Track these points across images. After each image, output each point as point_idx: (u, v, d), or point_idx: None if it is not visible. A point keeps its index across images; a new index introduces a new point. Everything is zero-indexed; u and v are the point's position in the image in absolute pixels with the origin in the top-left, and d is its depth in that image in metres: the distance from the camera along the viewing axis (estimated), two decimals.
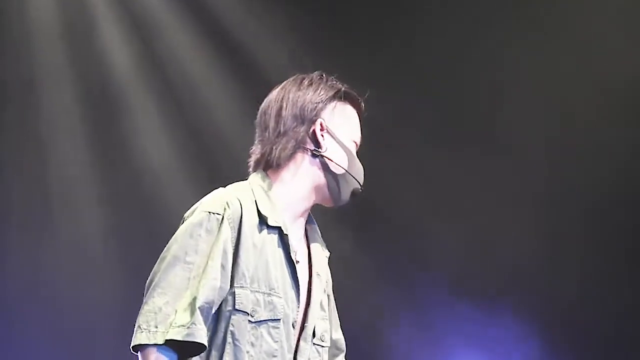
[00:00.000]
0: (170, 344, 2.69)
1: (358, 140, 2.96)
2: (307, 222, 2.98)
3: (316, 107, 2.90)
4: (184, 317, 2.71)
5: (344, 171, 2.91)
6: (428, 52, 5.97)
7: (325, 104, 2.92)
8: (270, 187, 2.88)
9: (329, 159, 2.89)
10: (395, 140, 5.97)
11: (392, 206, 5.97)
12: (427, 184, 6.05)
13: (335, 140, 2.91)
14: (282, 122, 2.89)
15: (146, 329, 2.71)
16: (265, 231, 2.83)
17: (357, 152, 2.97)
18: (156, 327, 2.71)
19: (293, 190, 2.91)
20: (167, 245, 2.79)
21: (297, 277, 2.85)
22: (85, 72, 6.02)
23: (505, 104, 5.91)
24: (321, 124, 2.89)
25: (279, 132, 2.89)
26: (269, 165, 2.90)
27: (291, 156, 2.90)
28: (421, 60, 6.00)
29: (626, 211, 5.76)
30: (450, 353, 6.02)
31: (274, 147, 2.88)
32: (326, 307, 2.98)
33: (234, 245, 2.78)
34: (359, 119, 2.99)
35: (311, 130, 2.90)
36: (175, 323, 2.69)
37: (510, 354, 5.89)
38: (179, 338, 2.66)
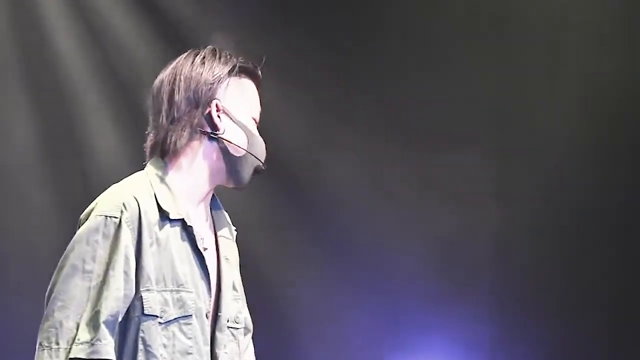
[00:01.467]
0: None
1: (257, 116, 2.92)
2: (211, 203, 2.94)
3: (210, 87, 2.83)
4: (87, 333, 2.66)
5: (244, 152, 2.85)
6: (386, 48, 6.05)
7: (220, 83, 2.85)
8: (168, 175, 2.83)
9: (227, 141, 2.83)
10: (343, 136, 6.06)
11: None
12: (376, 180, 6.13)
13: (232, 120, 2.85)
14: (176, 107, 2.82)
15: (47, 347, 2.66)
16: (168, 226, 2.77)
17: (257, 127, 2.92)
18: (57, 343, 2.66)
19: (193, 177, 2.85)
20: (64, 253, 2.72)
21: (207, 267, 2.81)
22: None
23: (456, 103, 6.01)
24: (217, 105, 2.83)
25: (173, 117, 2.82)
26: (166, 153, 2.83)
27: (188, 142, 2.83)
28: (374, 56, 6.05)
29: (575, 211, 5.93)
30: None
31: (169, 134, 2.81)
32: (238, 287, 2.95)
33: (135, 248, 2.73)
34: (258, 90, 2.94)
35: (207, 113, 2.82)
36: (78, 339, 2.65)
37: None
38: (83, 356, 2.62)
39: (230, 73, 2.86)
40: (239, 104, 2.89)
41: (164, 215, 2.76)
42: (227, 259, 2.93)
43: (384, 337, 6.02)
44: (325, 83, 6.04)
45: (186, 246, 2.80)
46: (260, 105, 2.96)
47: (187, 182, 2.84)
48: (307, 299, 6.00)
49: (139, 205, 2.73)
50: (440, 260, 6.03)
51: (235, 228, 3.03)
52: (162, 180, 2.81)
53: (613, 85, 5.77)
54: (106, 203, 2.73)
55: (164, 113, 2.83)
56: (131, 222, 2.71)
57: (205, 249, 2.82)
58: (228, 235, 2.98)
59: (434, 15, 5.95)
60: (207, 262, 2.83)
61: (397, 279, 6.07)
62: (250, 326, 3.03)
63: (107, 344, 2.66)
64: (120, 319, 2.70)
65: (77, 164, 5.96)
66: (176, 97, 2.83)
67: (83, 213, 2.77)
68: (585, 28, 5.83)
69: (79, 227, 2.73)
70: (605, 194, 5.86)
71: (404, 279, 6.03)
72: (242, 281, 3.06)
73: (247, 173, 2.89)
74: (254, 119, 2.92)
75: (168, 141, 2.81)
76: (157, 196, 2.78)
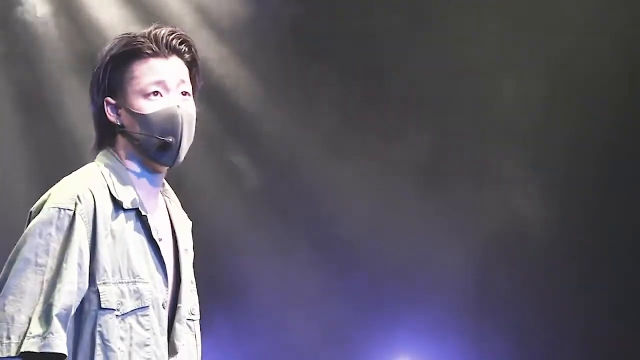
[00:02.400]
0: (26, 356, 2.62)
1: (150, 86, 2.83)
2: (165, 194, 2.93)
3: (98, 89, 2.84)
4: (39, 327, 2.64)
5: (142, 136, 2.80)
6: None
7: (104, 81, 2.84)
8: (117, 165, 2.82)
9: (128, 131, 2.81)
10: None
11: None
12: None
13: (125, 109, 2.83)
14: (92, 107, 2.88)
15: None
16: (122, 216, 2.75)
17: (160, 93, 2.85)
18: (9, 338, 2.63)
19: (132, 166, 2.84)
20: (15, 246, 2.69)
21: (162, 257, 2.79)
22: None
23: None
24: (107, 102, 2.83)
25: (93, 116, 2.89)
26: (105, 146, 2.89)
27: (110, 136, 2.86)
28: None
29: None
30: None
31: (95, 131, 2.87)
32: (193, 279, 2.94)
33: (90, 241, 2.71)
34: (147, 57, 2.86)
35: (105, 112, 2.84)
36: (30, 333, 2.63)
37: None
38: (35, 350, 2.60)
39: (108, 67, 2.85)
40: (125, 91, 2.84)
41: (117, 206, 2.74)
42: (186, 250, 2.90)
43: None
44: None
45: (141, 236, 2.78)
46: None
47: (132, 170, 2.83)
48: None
49: (93, 197, 2.71)
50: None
51: (191, 221, 3.02)
52: (112, 170, 2.80)
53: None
54: (60, 195, 2.70)
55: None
56: (86, 214, 2.69)
57: (160, 240, 2.80)
58: (185, 227, 2.95)
59: None
60: (163, 253, 2.80)
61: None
62: (198, 315, 3.03)
63: (60, 337, 2.64)
64: (72, 313, 2.67)
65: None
66: (90, 99, 2.89)
67: (35, 205, 2.73)
68: None
69: (30, 220, 2.71)
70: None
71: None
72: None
73: (158, 152, 2.84)
74: (151, 92, 2.85)
75: (97, 137, 2.87)
76: (109, 186, 2.75)
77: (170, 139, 2.79)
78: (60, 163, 5.79)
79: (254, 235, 6.28)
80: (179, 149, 2.81)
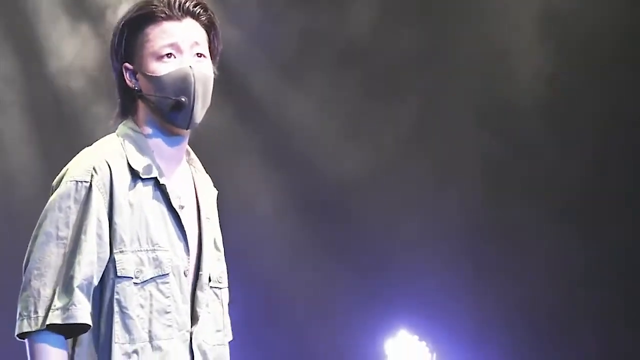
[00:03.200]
0: (53, 328, 2.68)
1: (163, 49, 2.88)
2: (191, 163, 2.97)
3: (117, 54, 2.90)
4: (62, 299, 2.69)
5: (158, 97, 2.85)
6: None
7: (121, 47, 2.89)
8: (136, 134, 2.87)
9: (145, 95, 2.86)
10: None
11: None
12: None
13: (141, 74, 2.87)
14: (113, 74, 2.95)
15: (27, 315, 2.70)
16: (140, 185, 2.79)
17: (173, 55, 2.89)
18: (36, 312, 2.70)
19: (150, 132, 2.88)
20: (38, 221, 2.75)
21: (183, 225, 2.82)
22: None
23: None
24: (125, 68, 2.88)
25: (116, 83, 2.96)
26: (125, 114, 2.94)
27: (131, 103, 2.91)
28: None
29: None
30: None
31: (117, 98, 2.93)
32: (221, 248, 2.97)
33: (107, 210, 2.75)
34: (160, 20, 2.91)
35: (125, 77, 2.90)
36: (54, 306, 2.69)
37: None
38: (59, 321, 2.66)
39: (124, 33, 2.90)
40: (141, 55, 2.88)
41: (135, 175, 2.77)
42: (208, 218, 2.91)
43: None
44: None
45: (160, 204, 2.80)
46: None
47: (150, 138, 2.87)
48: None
49: (109, 168, 2.75)
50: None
51: (216, 190, 3.05)
52: (131, 139, 2.84)
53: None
54: (76, 168, 2.76)
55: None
56: (102, 185, 2.73)
57: (182, 207, 2.82)
58: (209, 196, 2.98)
59: None
60: (184, 221, 2.83)
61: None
62: (228, 294, 3.06)
63: (82, 308, 2.68)
64: (96, 283, 2.71)
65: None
66: (111, 66, 2.96)
67: (55, 180, 2.78)
68: None
69: (52, 194, 2.76)
70: None
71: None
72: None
73: (173, 113, 2.87)
74: (164, 54, 2.89)
75: (120, 104, 2.92)
76: (127, 156, 2.79)
77: (183, 99, 2.81)
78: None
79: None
80: (192, 109, 2.83)
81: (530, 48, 6.22)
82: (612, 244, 6.18)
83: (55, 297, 2.69)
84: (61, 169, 2.90)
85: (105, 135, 2.97)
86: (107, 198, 2.75)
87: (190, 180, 2.94)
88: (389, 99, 6.35)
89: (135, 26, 2.86)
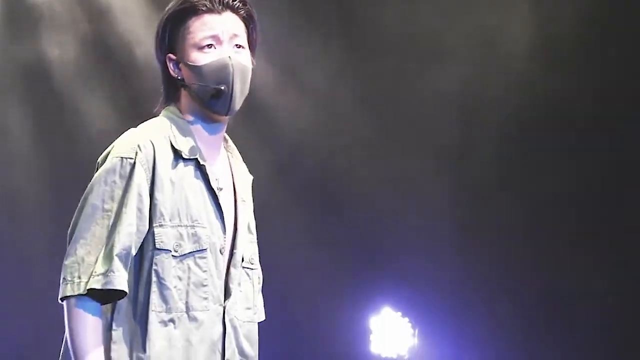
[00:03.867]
0: (93, 293, 2.72)
1: (204, 40, 2.95)
2: (228, 149, 3.02)
3: (161, 46, 2.96)
4: (102, 266, 2.73)
5: (199, 85, 2.91)
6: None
7: (165, 39, 2.96)
8: (179, 118, 2.94)
9: (187, 84, 2.93)
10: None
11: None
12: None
13: (184, 64, 2.94)
14: (158, 65, 3.02)
15: (70, 281, 2.73)
16: (182, 165, 2.84)
17: (213, 45, 2.96)
18: (79, 277, 2.73)
19: (191, 120, 2.96)
20: (84, 194, 2.80)
21: (220, 205, 2.87)
22: None
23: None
24: (169, 58, 2.95)
25: (161, 73, 3.02)
26: (170, 101, 3.01)
27: (175, 91, 2.98)
28: None
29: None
30: None
31: (162, 87, 2.99)
32: (254, 231, 3.02)
33: (149, 186, 2.80)
34: (201, 14, 2.97)
35: (168, 68, 2.96)
36: (95, 272, 2.72)
37: None
38: (98, 287, 2.70)
39: (167, 28, 2.96)
40: (182, 46, 2.94)
41: (177, 155, 2.82)
42: (243, 200, 2.98)
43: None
44: None
45: (200, 184, 2.85)
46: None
47: (192, 124, 2.92)
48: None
49: (153, 147, 2.80)
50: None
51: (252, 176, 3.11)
52: (174, 122, 2.90)
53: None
54: (122, 145, 2.81)
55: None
56: (145, 162, 2.78)
57: (220, 189, 2.88)
58: (245, 180, 3.04)
59: None
60: (222, 202, 2.88)
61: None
62: (261, 276, 3.12)
63: (120, 275, 2.73)
64: (134, 253, 2.77)
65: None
66: (156, 57, 3.02)
67: (101, 156, 2.84)
68: None
69: (97, 170, 2.81)
70: None
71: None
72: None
73: (213, 101, 2.92)
74: (201, 46, 2.95)
75: (163, 92, 3.00)
76: (170, 137, 2.85)
77: (223, 87, 2.86)
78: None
79: None
80: (231, 96, 2.88)
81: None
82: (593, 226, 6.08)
83: (96, 264, 2.73)
84: None
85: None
86: (150, 175, 2.79)
87: (227, 165, 2.99)
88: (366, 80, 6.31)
89: (179, 19, 2.91)
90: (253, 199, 3.08)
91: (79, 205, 2.80)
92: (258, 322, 3.11)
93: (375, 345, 6.03)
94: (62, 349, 2.86)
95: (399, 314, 6.01)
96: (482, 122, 6.21)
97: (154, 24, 3.38)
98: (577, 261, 6.08)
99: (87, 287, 2.71)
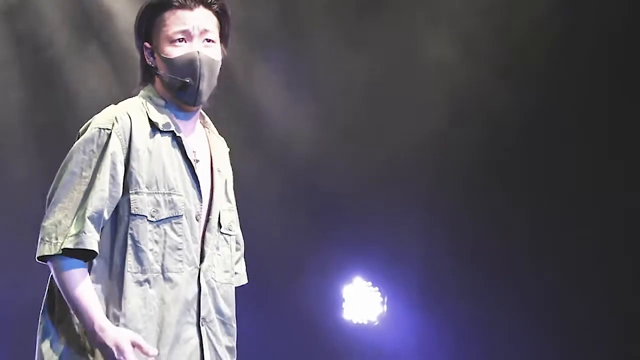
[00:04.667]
0: (67, 252, 2.82)
1: (176, 34, 3.05)
2: (205, 125, 3.12)
3: (139, 34, 3.06)
4: (75, 228, 2.83)
5: (168, 77, 3.02)
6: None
7: (142, 27, 3.06)
8: (156, 96, 3.03)
9: (161, 73, 3.03)
10: None
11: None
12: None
13: (157, 54, 3.04)
14: (137, 50, 3.11)
15: (48, 241, 2.84)
16: (159, 136, 2.94)
17: (184, 39, 3.04)
18: (57, 238, 2.84)
19: (166, 104, 3.05)
20: (64, 161, 2.91)
21: (197, 175, 2.97)
22: None
23: None
24: (145, 47, 3.04)
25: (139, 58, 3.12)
26: (147, 82, 3.10)
27: (149, 76, 3.07)
28: None
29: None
30: None
31: (140, 69, 3.09)
32: (232, 199, 3.12)
33: (125, 156, 2.90)
34: (174, 9, 3.05)
35: (145, 55, 3.05)
36: (69, 233, 2.82)
37: None
38: (71, 246, 2.80)
39: (144, 19, 3.06)
40: (158, 38, 3.04)
41: (154, 127, 2.93)
42: (219, 170, 3.07)
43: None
44: None
45: (177, 154, 2.95)
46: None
47: (166, 106, 3.02)
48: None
49: (130, 119, 2.90)
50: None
51: (230, 148, 3.19)
52: (150, 100, 3.00)
53: None
54: (101, 117, 2.92)
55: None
56: (122, 133, 2.89)
57: (197, 161, 2.99)
58: (221, 152, 3.14)
59: None
60: (199, 172, 2.98)
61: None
62: (241, 242, 3.21)
63: (92, 236, 2.83)
64: (107, 217, 2.86)
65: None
66: (135, 43, 3.11)
67: (82, 127, 2.94)
68: None
69: (78, 138, 2.91)
70: None
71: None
72: None
73: (180, 92, 3.03)
74: (177, 39, 3.03)
75: (140, 75, 3.09)
76: (147, 112, 2.95)
77: (188, 80, 2.96)
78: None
79: None
80: (197, 88, 2.97)
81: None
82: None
83: (71, 226, 2.83)
84: None
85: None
86: (126, 145, 2.89)
87: (205, 139, 3.08)
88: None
89: (155, 11, 3.00)
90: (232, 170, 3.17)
91: (59, 171, 2.89)
92: (241, 285, 3.20)
93: (348, 312, 6.07)
94: (42, 307, 2.94)
95: (369, 283, 6.06)
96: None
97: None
98: (536, 236, 6.13)
99: (63, 247, 2.79)
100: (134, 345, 2.85)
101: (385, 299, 6.07)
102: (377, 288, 6.06)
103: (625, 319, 6.03)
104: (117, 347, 2.83)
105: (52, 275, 2.91)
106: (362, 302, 6.06)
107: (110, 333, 2.83)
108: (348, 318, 6.07)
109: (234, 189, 3.21)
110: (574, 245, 6.03)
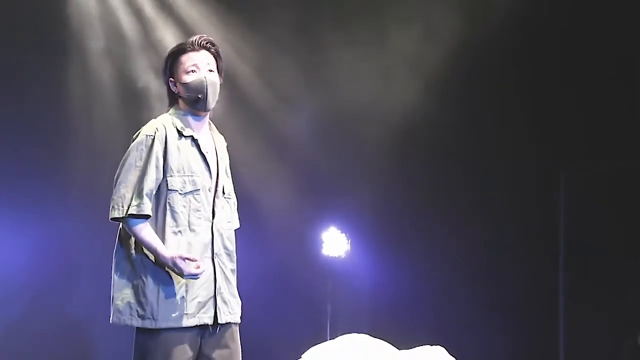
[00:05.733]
0: (131, 216, 3.22)
1: (190, 68, 3.33)
2: (211, 129, 3.47)
3: (165, 73, 3.42)
4: (136, 200, 3.20)
5: (186, 96, 3.36)
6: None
7: (167, 68, 3.41)
8: (180, 114, 3.41)
9: (182, 94, 3.39)
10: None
11: None
12: None
13: (179, 83, 3.38)
14: (165, 84, 3.48)
15: (117, 208, 3.22)
16: (183, 140, 3.35)
17: (195, 71, 3.32)
18: (122, 206, 3.22)
19: (185, 113, 3.40)
20: (124, 156, 3.30)
21: (208, 162, 3.36)
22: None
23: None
24: (170, 80, 3.39)
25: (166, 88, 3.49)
26: (173, 104, 3.47)
27: (174, 100, 3.44)
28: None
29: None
30: None
31: (167, 96, 3.47)
32: (229, 175, 3.48)
33: (163, 152, 3.26)
34: (187, 52, 3.35)
35: (170, 86, 3.43)
36: (133, 203, 3.20)
37: None
38: (134, 212, 3.21)
39: (168, 61, 3.39)
40: (177, 72, 3.37)
41: (180, 134, 3.34)
42: (221, 158, 3.43)
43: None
44: None
45: (195, 151, 3.34)
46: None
47: (186, 116, 3.38)
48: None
49: (165, 128, 3.31)
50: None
51: (226, 144, 3.48)
52: (176, 115, 3.39)
53: None
54: (147, 128, 3.33)
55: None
56: (160, 137, 3.28)
57: (207, 152, 3.36)
58: (222, 146, 3.47)
59: None
60: (209, 160, 3.36)
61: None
62: (235, 201, 3.49)
63: (147, 206, 3.21)
64: (155, 192, 3.24)
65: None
66: (163, 80, 3.47)
67: (134, 135, 3.32)
68: None
69: (133, 141, 3.30)
70: None
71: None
72: None
73: (196, 104, 3.34)
74: (188, 71, 3.31)
75: (168, 100, 3.45)
76: (174, 123, 3.35)
77: (200, 95, 3.33)
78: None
79: None
80: (205, 100, 3.33)
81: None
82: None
83: (133, 199, 3.19)
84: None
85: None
86: (163, 145, 3.25)
87: (211, 138, 3.43)
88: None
89: (175, 55, 3.41)
90: (229, 157, 3.52)
91: (121, 163, 3.27)
92: (235, 229, 3.48)
93: (325, 250, 6.34)
94: (113, 260, 3.29)
95: (340, 231, 6.34)
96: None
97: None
98: (469, 196, 6.39)
99: (128, 213, 3.18)
100: (182, 258, 3.18)
101: (350, 241, 6.31)
102: (344, 234, 6.31)
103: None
104: (174, 263, 3.17)
105: (119, 229, 3.28)
106: (334, 243, 6.34)
107: (167, 254, 3.18)
108: (326, 253, 6.32)
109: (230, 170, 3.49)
110: (496, 204, 6.22)
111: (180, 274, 3.17)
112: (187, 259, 3.16)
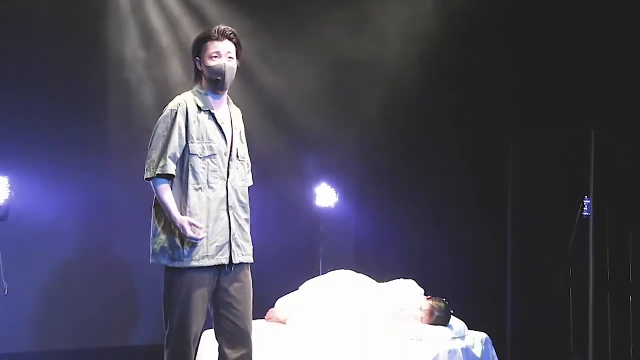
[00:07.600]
0: (159, 175, 3.31)
1: (213, 54, 3.36)
2: (229, 103, 3.51)
3: (193, 54, 3.45)
4: (162, 162, 3.30)
5: (209, 76, 3.42)
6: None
7: (195, 50, 3.45)
8: (201, 90, 3.45)
9: (205, 74, 3.44)
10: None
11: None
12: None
13: (203, 63, 3.44)
14: (192, 63, 3.51)
15: (148, 170, 3.32)
16: (202, 113, 3.40)
17: (217, 56, 3.34)
18: (153, 168, 3.33)
19: (206, 92, 3.45)
20: (155, 127, 3.38)
21: (224, 132, 3.43)
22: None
23: None
24: (197, 59, 3.43)
25: (192, 66, 3.51)
26: (197, 82, 3.50)
27: (198, 77, 3.47)
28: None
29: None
30: None
31: (192, 74, 3.50)
32: (244, 141, 3.53)
33: (185, 123, 3.33)
34: (213, 40, 3.37)
35: (196, 65, 3.46)
36: (159, 165, 3.30)
37: None
38: (160, 172, 3.30)
39: (196, 45, 3.43)
40: (203, 55, 3.42)
41: (199, 108, 3.38)
42: (235, 127, 3.50)
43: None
44: None
45: (212, 122, 3.41)
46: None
47: (206, 94, 3.42)
48: None
49: (186, 104, 3.36)
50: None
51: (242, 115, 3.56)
52: (197, 93, 3.43)
53: None
54: (172, 103, 3.40)
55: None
56: (182, 111, 3.34)
57: (223, 123, 3.42)
58: (238, 117, 3.54)
59: None
60: (224, 129, 3.42)
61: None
62: (249, 162, 3.55)
63: (171, 167, 3.29)
64: (179, 156, 3.30)
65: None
66: (192, 58, 3.47)
67: (163, 109, 3.38)
68: None
69: (161, 115, 3.36)
70: None
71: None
72: None
73: (216, 84, 3.39)
74: (212, 57, 3.35)
75: (193, 77, 3.48)
76: (195, 100, 3.39)
77: (219, 77, 3.40)
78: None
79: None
80: (224, 81, 3.39)
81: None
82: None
83: (160, 161, 3.27)
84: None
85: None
86: (184, 117, 3.31)
87: (227, 110, 3.48)
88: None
89: (202, 41, 3.45)
90: (244, 125, 3.57)
91: (153, 132, 3.35)
92: (249, 186, 3.54)
93: (318, 201, 6.15)
94: (152, 216, 3.37)
95: (329, 186, 6.15)
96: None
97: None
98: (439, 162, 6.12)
99: (156, 172, 3.28)
100: (190, 224, 3.25)
101: (337, 193, 6.15)
102: (333, 189, 6.14)
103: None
104: (182, 226, 3.26)
105: (155, 193, 3.32)
106: (325, 195, 6.16)
107: (179, 218, 3.27)
108: (318, 204, 6.15)
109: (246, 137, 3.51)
110: (458, 172, 5.98)
111: (184, 235, 3.25)
112: (194, 225, 3.23)
